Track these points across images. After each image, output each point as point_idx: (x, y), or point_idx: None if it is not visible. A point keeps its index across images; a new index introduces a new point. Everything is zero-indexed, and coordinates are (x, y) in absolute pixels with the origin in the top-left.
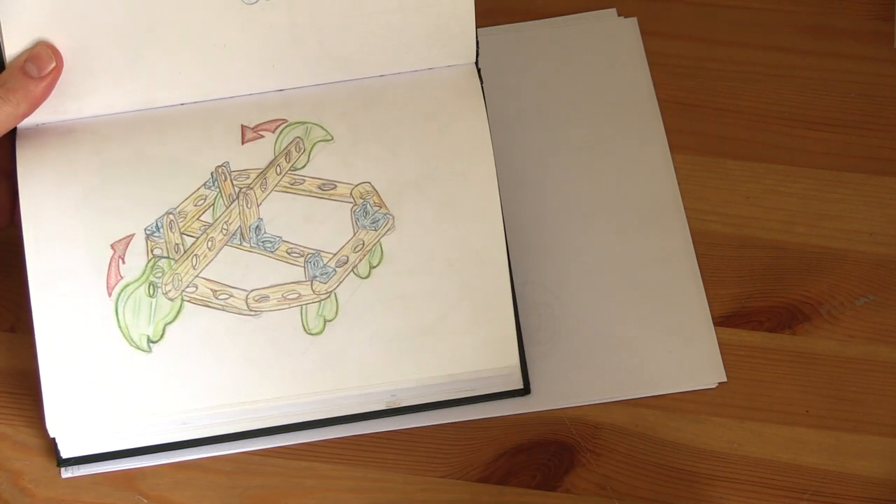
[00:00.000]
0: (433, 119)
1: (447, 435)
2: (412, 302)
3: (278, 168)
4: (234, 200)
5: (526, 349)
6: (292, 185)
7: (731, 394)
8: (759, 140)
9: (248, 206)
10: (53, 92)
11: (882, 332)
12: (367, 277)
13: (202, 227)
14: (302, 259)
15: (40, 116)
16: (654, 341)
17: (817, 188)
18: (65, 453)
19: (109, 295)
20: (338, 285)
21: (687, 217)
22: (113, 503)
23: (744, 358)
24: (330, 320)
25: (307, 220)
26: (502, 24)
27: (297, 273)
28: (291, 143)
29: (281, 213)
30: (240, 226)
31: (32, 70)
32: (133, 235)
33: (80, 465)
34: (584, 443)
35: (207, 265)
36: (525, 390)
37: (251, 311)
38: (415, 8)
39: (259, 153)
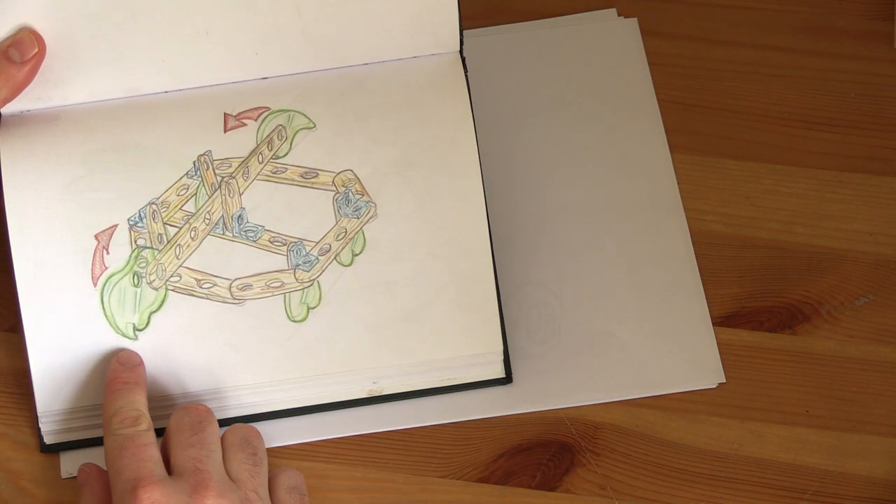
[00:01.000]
0: (416, 107)
1: (447, 435)
2: (395, 289)
3: (260, 156)
4: (216, 190)
5: (526, 349)
6: (274, 173)
7: (731, 394)
8: (759, 140)
9: (231, 195)
10: (37, 79)
11: (882, 332)
12: (349, 265)
13: (185, 217)
14: (285, 248)
15: (24, 104)
16: (654, 341)
17: (817, 188)
18: (48, 439)
19: (95, 285)
20: (321, 273)
21: (687, 217)
22: None
23: (744, 358)
24: (313, 308)
25: (289, 208)
26: (502, 24)
27: (280, 262)
28: (274, 131)
29: (263, 202)
30: (222, 215)
31: (15, 55)
32: (116, 226)
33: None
34: (584, 443)
35: (191, 255)
36: (507, 379)
37: (235, 299)
38: None
39: (241, 141)
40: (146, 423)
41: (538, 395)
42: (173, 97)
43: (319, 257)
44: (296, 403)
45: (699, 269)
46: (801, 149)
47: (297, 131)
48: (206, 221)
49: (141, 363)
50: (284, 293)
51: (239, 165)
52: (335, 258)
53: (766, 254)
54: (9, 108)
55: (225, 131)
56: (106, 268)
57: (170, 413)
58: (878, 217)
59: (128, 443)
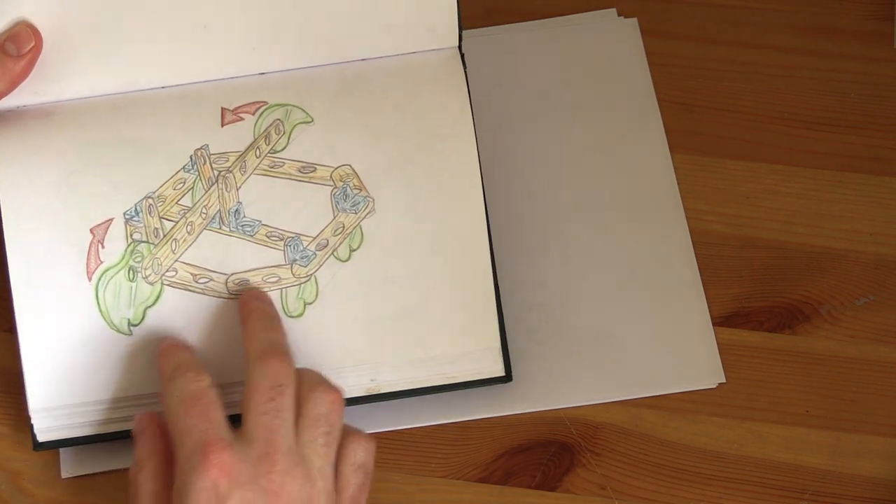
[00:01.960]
0: (415, 102)
1: (447, 435)
2: (393, 284)
3: (258, 151)
4: (213, 184)
5: (526, 349)
6: (272, 167)
7: (731, 394)
8: (759, 140)
9: (228, 189)
10: (34, 74)
11: (882, 332)
12: (347, 260)
13: (181, 211)
14: (282, 243)
15: (20, 99)
16: (654, 341)
17: (817, 188)
18: (41, 437)
19: (90, 279)
20: (318, 268)
21: (687, 217)
22: (113, 503)
23: (744, 358)
24: (310, 303)
25: (287, 203)
26: (502, 24)
27: (277, 257)
28: (271, 125)
29: (260, 197)
30: (219, 209)
31: (11, 49)
32: (112, 220)
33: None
34: (584, 443)
35: (187, 249)
36: (507, 378)
37: (231, 294)
38: None
39: (239, 135)
40: (209, 379)
41: (538, 395)
42: (170, 92)
43: (317, 252)
44: None
45: (699, 269)
46: (801, 149)
47: (294, 126)
48: (203, 216)
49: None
50: (281, 288)
51: (236, 160)
52: (332, 253)
53: (766, 254)
54: (5, 103)
55: (222, 126)
56: (101, 262)
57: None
58: (878, 217)
59: (194, 401)
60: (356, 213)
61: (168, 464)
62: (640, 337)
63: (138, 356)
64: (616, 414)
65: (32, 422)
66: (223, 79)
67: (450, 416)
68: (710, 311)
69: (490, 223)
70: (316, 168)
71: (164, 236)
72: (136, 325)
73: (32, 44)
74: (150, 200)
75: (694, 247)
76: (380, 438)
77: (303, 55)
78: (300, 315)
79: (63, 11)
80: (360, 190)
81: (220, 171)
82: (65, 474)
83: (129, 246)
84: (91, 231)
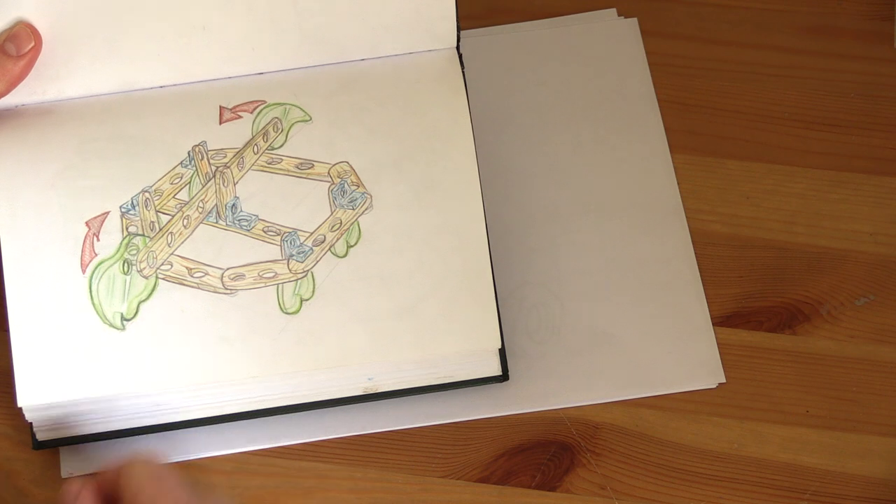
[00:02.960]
0: (413, 100)
1: (447, 435)
2: (391, 281)
3: (255, 147)
4: (210, 179)
5: (526, 349)
6: (269, 164)
7: (731, 394)
8: (759, 140)
9: (225, 184)
10: (33, 73)
11: (882, 332)
12: (344, 256)
13: (178, 206)
14: (278, 238)
15: (19, 98)
16: (653, 341)
17: (817, 188)
18: (40, 436)
19: (83, 272)
20: (315, 264)
21: (687, 217)
22: None
23: (744, 358)
24: (307, 299)
25: (284, 198)
26: (502, 24)
27: (274, 252)
28: (269, 123)
29: (258, 192)
30: (216, 204)
31: (11, 49)
32: (108, 213)
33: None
34: (584, 443)
35: (183, 243)
36: (504, 377)
37: (227, 289)
38: None
39: (237, 133)
40: None
41: (538, 395)
42: (169, 91)
43: (313, 248)
44: (290, 401)
45: (699, 269)
46: (801, 149)
47: (292, 124)
48: (200, 210)
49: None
50: (277, 284)
51: (234, 156)
52: (330, 249)
53: (766, 254)
54: (4, 102)
55: (220, 123)
56: (96, 255)
57: (158, 411)
58: (878, 217)
59: None
60: (353, 210)
61: None
62: (640, 337)
63: (130, 352)
64: (616, 414)
65: (28, 420)
66: (222, 78)
67: (450, 416)
68: (710, 311)
69: (489, 223)
70: (313, 164)
71: (160, 230)
72: (129, 320)
73: (32, 44)
74: (147, 194)
75: (694, 247)
76: (380, 438)
77: (301, 55)
78: (297, 311)
79: (62, 12)
80: (358, 186)
81: (217, 167)
82: (65, 474)
83: (124, 239)
84: (86, 224)
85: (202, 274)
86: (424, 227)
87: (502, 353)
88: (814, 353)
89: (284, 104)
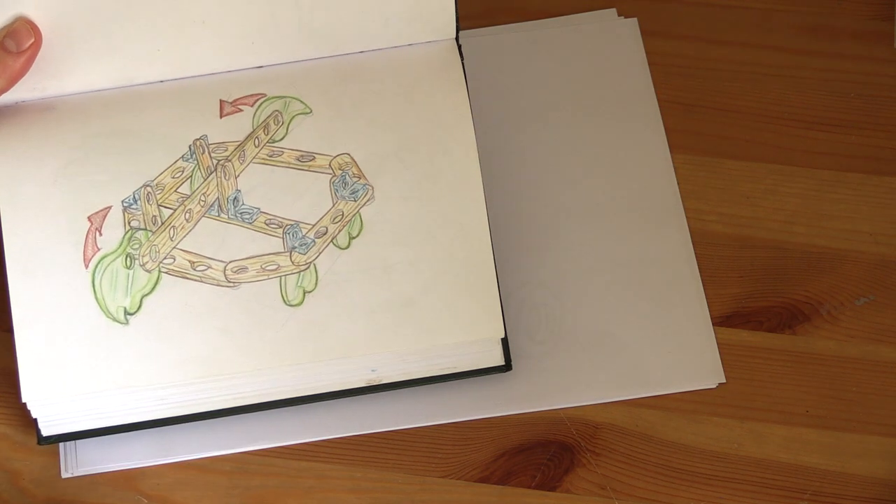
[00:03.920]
0: (413, 92)
1: (447, 435)
2: (393, 273)
3: (256, 140)
4: (211, 172)
5: (526, 349)
6: (271, 156)
7: (731, 394)
8: (759, 140)
9: (226, 177)
10: (33, 69)
11: (882, 332)
12: (346, 248)
13: (180, 199)
14: (280, 230)
15: (20, 94)
16: (653, 341)
17: (817, 188)
18: (45, 431)
19: (86, 267)
20: (317, 256)
21: (687, 217)
22: (113, 503)
23: (743, 358)
24: (309, 291)
25: (286, 191)
26: (502, 24)
27: (276, 244)
28: (270, 116)
29: (259, 185)
30: (218, 197)
31: (11, 45)
32: (110, 208)
33: (72, 455)
34: (584, 443)
35: (185, 237)
36: (507, 367)
37: (229, 282)
38: None
39: (237, 126)
40: None
41: (538, 395)
42: (169, 85)
43: (316, 240)
44: (294, 393)
45: (699, 269)
46: (801, 149)
47: (293, 116)
48: (202, 203)
49: None
50: (280, 276)
51: (235, 149)
52: (332, 241)
53: (766, 254)
54: (4, 99)
55: (221, 117)
56: (98, 249)
57: (161, 405)
58: (878, 217)
59: None
60: (355, 201)
61: None
62: (640, 337)
63: (134, 346)
64: (616, 414)
65: (33, 415)
66: (222, 72)
67: (450, 416)
68: (710, 311)
69: (490, 222)
70: (315, 157)
71: (163, 224)
72: (132, 314)
73: (32, 40)
74: (149, 188)
75: (694, 247)
76: (380, 438)
77: (301, 48)
78: (299, 304)
79: (62, 8)
80: (360, 178)
81: (218, 161)
82: (65, 474)
83: (126, 233)
84: (89, 219)
85: (205, 267)
86: (426, 217)
87: (505, 343)
88: (814, 353)
89: (285, 97)
